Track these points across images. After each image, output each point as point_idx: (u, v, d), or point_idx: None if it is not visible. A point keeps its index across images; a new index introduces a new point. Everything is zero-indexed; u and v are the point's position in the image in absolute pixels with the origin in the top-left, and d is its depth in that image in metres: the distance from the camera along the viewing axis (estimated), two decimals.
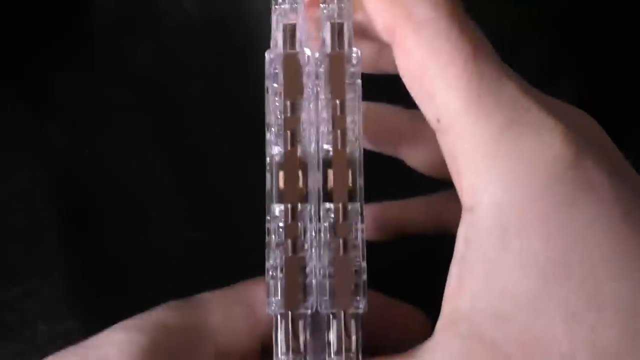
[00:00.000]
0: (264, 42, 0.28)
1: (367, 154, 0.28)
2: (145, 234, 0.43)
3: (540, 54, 0.47)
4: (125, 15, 0.48)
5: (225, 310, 0.30)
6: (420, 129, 0.34)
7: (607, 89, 0.46)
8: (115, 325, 0.29)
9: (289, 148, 0.27)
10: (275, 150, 0.27)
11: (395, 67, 0.28)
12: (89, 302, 0.41)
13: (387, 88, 0.31)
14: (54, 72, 0.47)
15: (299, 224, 0.26)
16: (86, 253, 0.43)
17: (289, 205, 0.26)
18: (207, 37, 0.48)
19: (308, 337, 0.27)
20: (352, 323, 0.26)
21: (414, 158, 0.36)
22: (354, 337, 0.26)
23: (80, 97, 0.46)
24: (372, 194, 0.29)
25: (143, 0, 0.48)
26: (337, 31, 0.28)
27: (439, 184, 0.36)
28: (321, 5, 0.28)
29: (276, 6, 0.28)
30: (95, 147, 0.45)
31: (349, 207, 0.27)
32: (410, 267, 0.41)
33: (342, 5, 0.28)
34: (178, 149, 0.46)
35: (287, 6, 0.28)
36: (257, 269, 0.30)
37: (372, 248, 0.28)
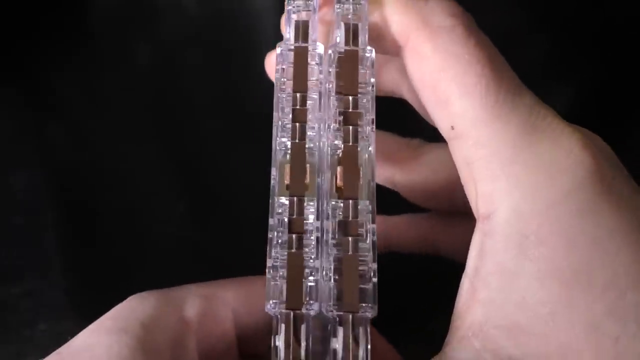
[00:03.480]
0: (264, 41, 0.26)
1: None
2: (145, 234, 0.42)
3: (541, 54, 0.46)
4: (125, 15, 0.47)
5: (201, 307, 0.28)
6: (417, 155, 0.33)
7: (607, 90, 0.44)
8: (96, 327, 0.27)
9: (296, 140, 0.24)
10: (282, 143, 0.24)
11: (389, 90, 0.27)
12: (89, 302, 0.40)
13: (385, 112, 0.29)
14: (54, 72, 0.46)
15: (305, 220, 0.23)
16: (86, 253, 0.42)
17: (295, 199, 0.23)
18: (206, 37, 0.47)
19: (310, 344, 0.23)
20: (361, 329, 0.23)
21: (408, 187, 0.34)
22: (362, 346, 0.23)
23: (80, 97, 0.46)
24: None
25: (142, 0, 0.47)
26: (352, 32, 0.26)
27: None
28: (335, 5, 0.26)
29: (289, 0, 0.26)
30: (96, 147, 0.44)
31: (360, 205, 0.24)
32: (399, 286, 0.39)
33: (358, 6, 0.26)
34: (178, 149, 0.45)
35: (300, 2, 0.26)
36: (257, 269, 0.29)
37: None
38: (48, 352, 0.26)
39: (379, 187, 0.33)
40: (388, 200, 0.33)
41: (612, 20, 0.46)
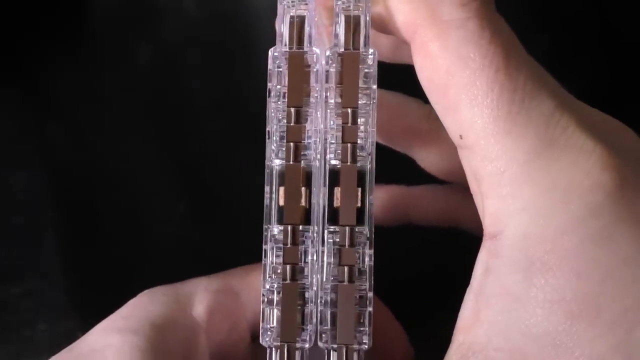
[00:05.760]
0: (264, 40, 0.24)
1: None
2: (145, 234, 0.41)
3: (540, 55, 0.43)
4: (125, 15, 0.46)
5: (210, 302, 0.27)
6: (438, 129, 0.30)
7: (606, 90, 0.43)
8: (108, 326, 0.26)
9: (291, 161, 0.22)
10: (275, 163, 0.22)
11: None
12: (89, 302, 0.39)
13: (405, 76, 0.27)
14: (54, 72, 0.45)
15: (300, 248, 0.22)
16: (86, 253, 0.41)
17: (289, 227, 0.22)
18: (207, 37, 0.46)
19: None
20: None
21: (427, 160, 0.32)
22: None
23: (80, 97, 0.44)
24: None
25: (143, 0, 0.46)
26: (353, 26, 0.23)
27: None
28: None
29: None
30: (96, 147, 0.43)
31: (357, 230, 0.22)
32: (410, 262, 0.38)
33: None
34: (178, 149, 0.43)
35: None
36: None
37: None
38: (48, 352, 0.26)
39: (397, 154, 0.32)
40: (406, 167, 0.32)
41: (611, 21, 0.45)
